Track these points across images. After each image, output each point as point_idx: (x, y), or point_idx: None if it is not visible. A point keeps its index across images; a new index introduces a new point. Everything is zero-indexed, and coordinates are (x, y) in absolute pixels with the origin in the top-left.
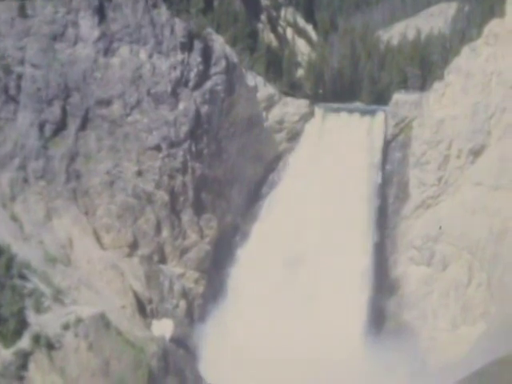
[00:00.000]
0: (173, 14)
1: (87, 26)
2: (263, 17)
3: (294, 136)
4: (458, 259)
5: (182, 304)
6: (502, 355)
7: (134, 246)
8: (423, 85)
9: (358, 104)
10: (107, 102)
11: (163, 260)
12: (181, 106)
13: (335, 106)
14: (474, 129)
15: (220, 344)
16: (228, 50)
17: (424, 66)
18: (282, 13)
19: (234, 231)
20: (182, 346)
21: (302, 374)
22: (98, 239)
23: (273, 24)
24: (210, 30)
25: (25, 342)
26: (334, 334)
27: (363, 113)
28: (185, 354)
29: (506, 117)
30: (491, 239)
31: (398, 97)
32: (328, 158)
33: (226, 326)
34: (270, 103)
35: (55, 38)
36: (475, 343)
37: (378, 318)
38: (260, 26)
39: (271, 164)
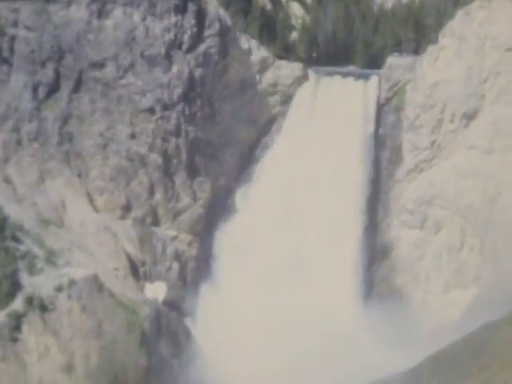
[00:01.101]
0: None
1: None
2: None
3: (288, 99)
4: (450, 223)
5: (175, 267)
6: (494, 319)
7: (126, 208)
8: (417, 48)
9: (351, 67)
10: (101, 65)
11: (156, 222)
12: (174, 68)
13: (329, 69)
14: (467, 93)
15: (213, 307)
16: (222, 12)
17: (418, 29)
18: None
19: (227, 194)
20: (175, 309)
21: (292, 337)
22: (91, 201)
23: None
24: None
25: (18, 304)
26: (326, 297)
27: (357, 76)
28: (177, 317)
29: (500, 81)
30: (484, 203)
31: (392, 60)
32: (321, 121)
33: (219, 288)
34: (264, 66)
35: (49, 0)
36: (467, 307)
37: (370, 282)
38: None
39: (264, 127)
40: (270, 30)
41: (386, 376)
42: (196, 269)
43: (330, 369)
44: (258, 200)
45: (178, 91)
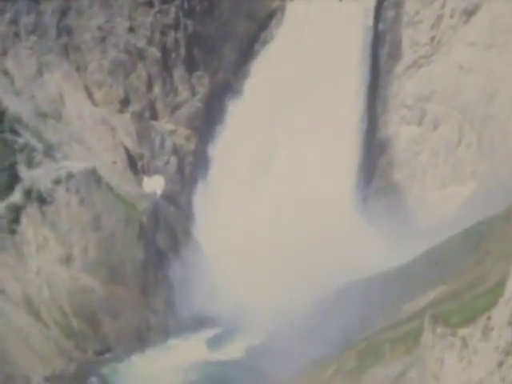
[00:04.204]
0: None
1: None
2: None
3: None
4: (449, 119)
5: (173, 161)
6: (490, 214)
7: (125, 102)
8: None
9: None
10: None
11: (154, 116)
12: None
13: None
14: None
15: (210, 201)
16: None
17: None
18: None
19: (226, 88)
20: (173, 203)
21: (288, 231)
22: (90, 95)
23: None
24: None
25: (16, 197)
26: (323, 192)
27: None
28: (175, 211)
29: None
30: (483, 99)
31: None
32: (320, 16)
33: (217, 183)
34: None
35: None
36: (464, 202)
37: (368, 177)
38: None
39: (264, 21)
40: None
41: (382, 269)
42: (194, 163)
43: (327, 259)
44: (256, 94)
45: None
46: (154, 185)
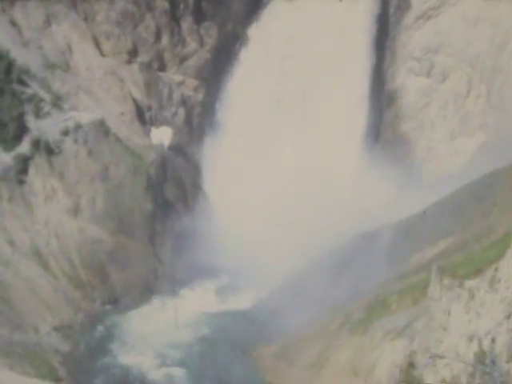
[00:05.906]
0: None
1: None
2: None
3: None
4: (457, 71)
5: (181, 112)
6: (499, 167)
7: (133, 52)
8: None
9: None
10: None
11: (163, 67)
12: None
13: None
14: None
15: (218, 152)
16: None
17: None
18: None
19: (234, 39)
20: (181, 154)
21: (296, 184)
22: (98, 45)
23: None
24: None
25: (24, 147)
26: (332, 143)
27: None
28: (183, 162)
29: None
30: (492, 51)
31: None
32: None
33: (225, 134)
34: None
35: None
36: (472, 154)
37: (376, 129)
38: None
39: None
40: None
41: (389, 221)
42: (202, 114)
43: (335, 211)
44: (265, 45)
45: None
46: (162, 136)
